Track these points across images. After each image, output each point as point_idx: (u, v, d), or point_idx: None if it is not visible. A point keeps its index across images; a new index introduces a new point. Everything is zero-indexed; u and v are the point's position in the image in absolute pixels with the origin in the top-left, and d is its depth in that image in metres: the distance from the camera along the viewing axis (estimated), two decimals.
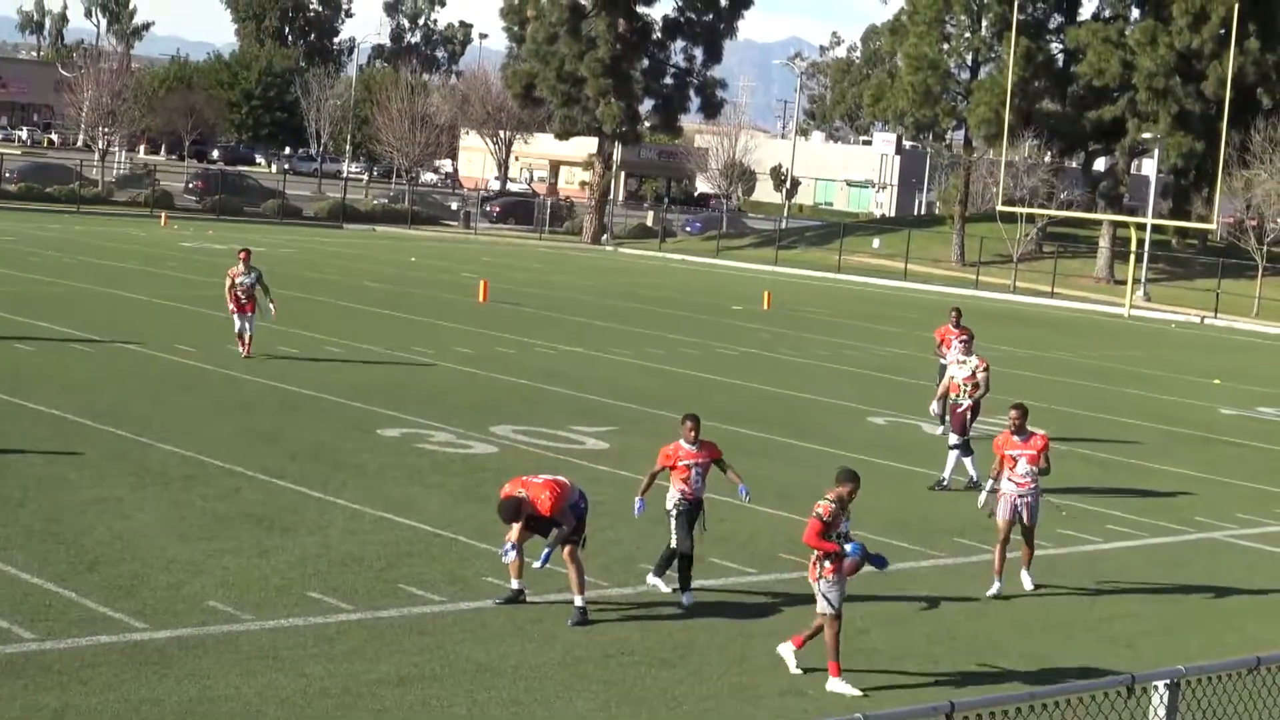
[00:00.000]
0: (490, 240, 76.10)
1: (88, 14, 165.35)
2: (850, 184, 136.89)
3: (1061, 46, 73.47)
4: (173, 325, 31.46)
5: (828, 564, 12.34)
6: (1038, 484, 15.82)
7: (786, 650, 12.67)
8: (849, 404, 28.12)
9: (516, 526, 13.52)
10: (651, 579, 14.64)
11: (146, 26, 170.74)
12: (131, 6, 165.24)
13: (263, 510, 16.45)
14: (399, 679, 11.71)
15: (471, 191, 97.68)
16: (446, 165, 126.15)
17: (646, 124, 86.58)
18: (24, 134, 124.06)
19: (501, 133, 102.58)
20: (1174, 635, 14.86)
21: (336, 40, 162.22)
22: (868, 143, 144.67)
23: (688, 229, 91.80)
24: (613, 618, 13.70)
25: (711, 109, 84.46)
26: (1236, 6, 61.93)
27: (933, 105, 74.67)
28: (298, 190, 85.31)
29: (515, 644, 12.76)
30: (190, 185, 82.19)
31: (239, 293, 27.38)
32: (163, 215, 68.89)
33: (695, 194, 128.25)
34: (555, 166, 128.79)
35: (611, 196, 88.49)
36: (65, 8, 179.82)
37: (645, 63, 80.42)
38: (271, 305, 27.88)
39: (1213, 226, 67.77)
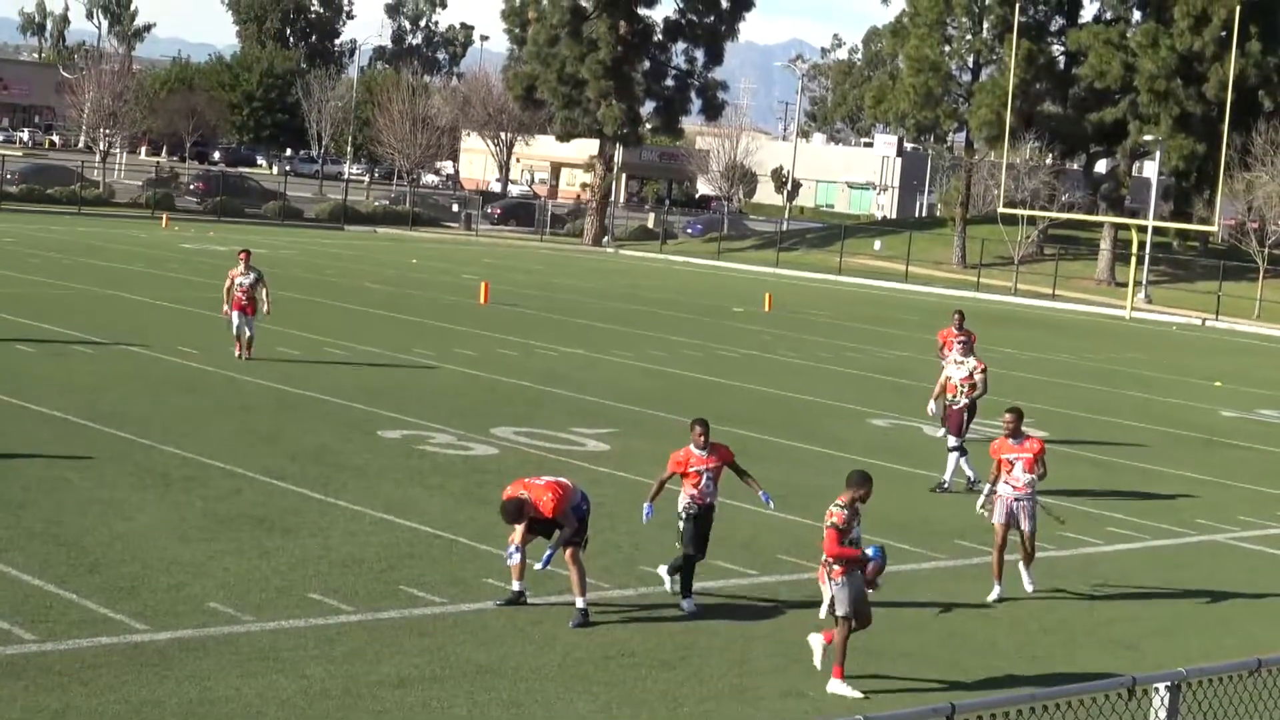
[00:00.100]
0: (491, 242, 76.11)
1: (89, 16, 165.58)
2: (851, 186, 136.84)
3: (1063, 49, 73.50)
4: (174, 327, 31.47)
5: (836, 566, 12.34)
6: (1034, 489, 15.80)
7: (816, 641, 12.65)
8: (850, 406, 28.11)
9: (519, 528, 13.53)
10: (662, 569, 14.65)
11: (148, 28, 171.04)
12: (133, 8, 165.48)
13: (263, 512, 16.45)
14: (399, 680, 11.71)
15: (474, 194, 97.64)
16: (447, 167, 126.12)
17: (648, 126, 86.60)
18: (25, 136, 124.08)
19: (502, 134, 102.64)
20: (1175, 637, 14.86)
21: (338, 42, 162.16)
22: (869, 145, 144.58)
23: (689, 231, 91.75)
24: (614, 619, 13.70)
25: (713, 111, 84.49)
26: (1238, 9, 61.94)
27: (934, 107, 74.71)
28: (299, 192, 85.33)
29: (516, 646, 12.76)
30: (191, 186, 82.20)
31: (239, 293, 27.42)
32: (164, 217, 68.92)
33: (696, 196, 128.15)
34: (556, 168, 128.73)
35: (612, 198, 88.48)
36: (67, 9, 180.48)
37: (646, 65, 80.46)
38: (266, 302, 27.86)
39: (1214, 229, 67.73)
